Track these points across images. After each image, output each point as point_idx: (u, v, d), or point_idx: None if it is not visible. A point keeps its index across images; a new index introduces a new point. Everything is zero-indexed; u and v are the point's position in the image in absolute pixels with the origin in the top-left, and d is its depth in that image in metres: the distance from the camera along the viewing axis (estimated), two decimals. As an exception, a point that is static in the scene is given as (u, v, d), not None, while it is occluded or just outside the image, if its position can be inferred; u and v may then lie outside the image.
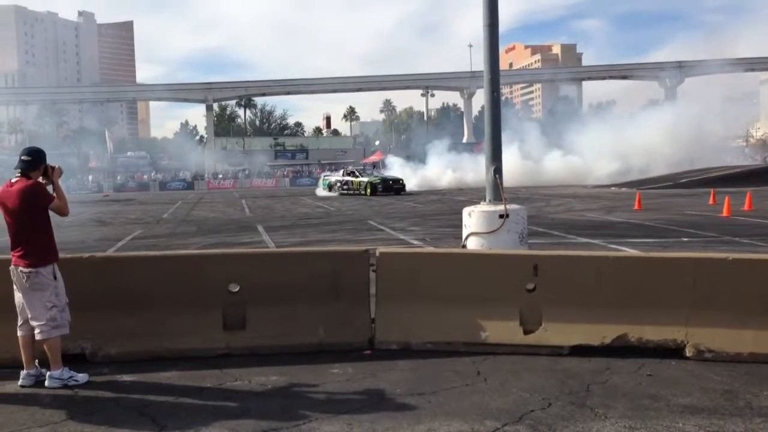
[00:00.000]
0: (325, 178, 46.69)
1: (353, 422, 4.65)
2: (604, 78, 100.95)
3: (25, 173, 5.57)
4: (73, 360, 5.87)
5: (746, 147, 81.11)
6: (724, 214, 19.56)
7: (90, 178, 76.48)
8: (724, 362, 5.83)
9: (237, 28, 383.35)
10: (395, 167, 52.06)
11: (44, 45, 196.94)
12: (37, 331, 5.51)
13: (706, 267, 6.24)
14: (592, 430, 4.44)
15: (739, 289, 6.03)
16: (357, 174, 43.71)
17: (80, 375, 5.65)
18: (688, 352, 5.97)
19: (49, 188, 5.68)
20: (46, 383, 5.54)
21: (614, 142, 47.63)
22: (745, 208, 21.25)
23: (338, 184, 43.46)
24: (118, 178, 78.08)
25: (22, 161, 5.58)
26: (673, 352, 6.02)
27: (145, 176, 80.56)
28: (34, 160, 5.61)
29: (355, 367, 5.93)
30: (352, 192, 41.89)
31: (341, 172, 45.94)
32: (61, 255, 5.85)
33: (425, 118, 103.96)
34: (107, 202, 44.08)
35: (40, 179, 5.66)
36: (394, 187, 41.00)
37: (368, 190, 40.67)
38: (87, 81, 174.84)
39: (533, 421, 4.61)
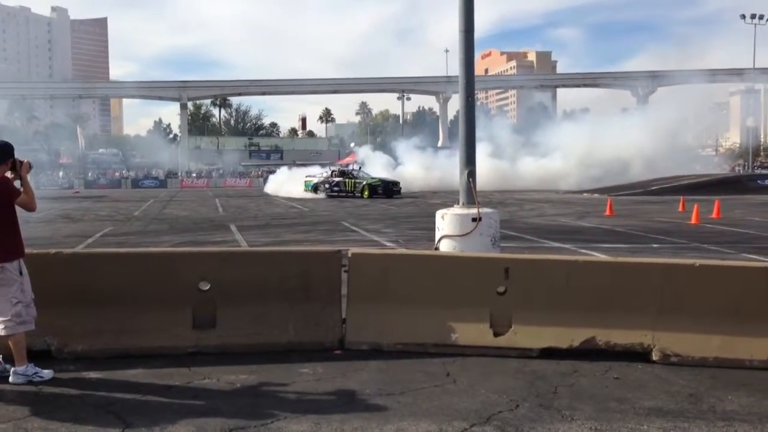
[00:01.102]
0: (308, 178, 42.16)
1: (321, 422, 4.63)
2: (577, 86, 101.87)
3: (-9, 167, 5.49)
4: (38, 356, 5.78)
5: (716, 156, 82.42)
6: (693, 221, 19.86)
7: (60, 174, 75.55)
8: (689, 366, 5.90)
9: (214, 27, 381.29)
10: (368, 164, 48.48)
11: (16, 40, 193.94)
12: (1, 326, 5.43)
13: (674, 273, 6.31)
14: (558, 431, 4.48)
15: (705, 295, 6.12)
16: (351, 174, 39.87)
17: (45, 371, 5.58)
18: (655, 356, 6.04)
19: (17, 183, 5.61)
20: (10, 379, 5.47)
21: (587, 148, 48.09)
22: (714, 215, 21.59)
23: (326, 186, 39.64)
24: (90, 174, 77.10)
25: (-12, 155, 5.50)
26: (639, 355, 6.09)
27: (117, 173, 79.62)
28: (0, 155, 5.53)
29: (325, 366, 5.92)
30: (344, 194, 38.27)
31: (331, 172, 41.34)
32: (28, 250, 5.79)
33: (401, 121, 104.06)
34: (77, 199, 43.45)
35: (8, 174, 5.58)
36: (394, 189, 38.13)
37: (366, 193, 37.43)
38: (59, 77, 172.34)
39: (500, 422, 4.63)
